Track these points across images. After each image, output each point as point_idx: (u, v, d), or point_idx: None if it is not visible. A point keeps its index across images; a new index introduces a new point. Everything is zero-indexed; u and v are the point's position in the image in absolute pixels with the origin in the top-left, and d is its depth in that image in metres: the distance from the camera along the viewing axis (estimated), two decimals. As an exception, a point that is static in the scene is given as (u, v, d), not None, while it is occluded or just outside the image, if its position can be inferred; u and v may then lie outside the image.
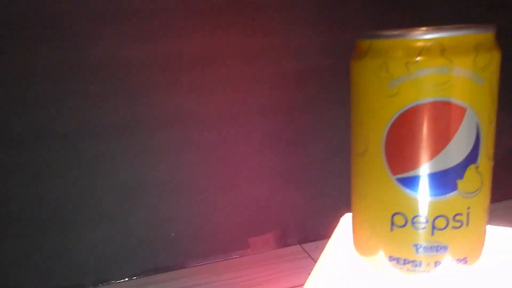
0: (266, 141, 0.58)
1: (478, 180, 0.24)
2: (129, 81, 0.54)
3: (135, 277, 0.56)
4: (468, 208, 0.24)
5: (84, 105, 0.53)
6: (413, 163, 0.23)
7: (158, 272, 0.56)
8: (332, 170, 0.65)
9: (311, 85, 0.59)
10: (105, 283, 0.55)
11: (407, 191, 0.24)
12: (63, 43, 0.51)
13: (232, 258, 0.58)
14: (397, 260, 0.25)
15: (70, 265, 0.54)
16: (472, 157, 0.23)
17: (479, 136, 0.23)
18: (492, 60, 0.23)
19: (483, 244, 0.26)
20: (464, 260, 0.25)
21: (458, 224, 0.24)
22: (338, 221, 0.35)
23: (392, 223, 0.25)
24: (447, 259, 0.24)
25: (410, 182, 0.24)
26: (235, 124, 0.57)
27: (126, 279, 0.56)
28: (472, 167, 0.24)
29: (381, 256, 0.26)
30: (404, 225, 0.24)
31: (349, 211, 0.29)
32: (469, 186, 0.24)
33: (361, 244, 0.27)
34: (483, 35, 0.22)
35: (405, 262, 0.25)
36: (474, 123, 0.23)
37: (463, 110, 0.23)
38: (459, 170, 0.23)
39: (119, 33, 0.53)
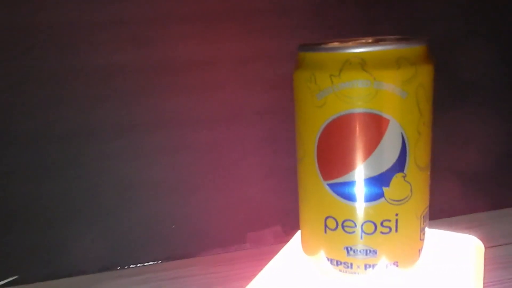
0: (261, 142, 0.60)
1: (406, 189, 0.25)
2: (125, 85, 0.57)
3: (133, 266, 0.60)
4: (397, 215, 0.25)
5: (83, 107, 0.57)
6: (341, 170, 0.25)
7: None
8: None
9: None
10: (108, 270, 0.59)
11: (337, 196, 0.25)
12: (63, 50, 0.55)
13: (229, 252, 0.61)
14: (331, 261, 0.26)
15: (73, 255, 0.58)
16: (398, 167, 0.24)
17: (405, 146, 0.24)
18: (417, 74, 0.23)
19: (417, 249, 0.26)
20: (395, 265, 0.26)
21: (386, 230, 0.25)
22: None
23: (326, 226, 0.26)
24: (377, 262, 0.25)
25: (339, 188, 0.25)
26: (231, 125, 0.59)
27: (126, 267, 0.60)
28: (399, 175, 0.24)
29: (321, 256, 0.27)
30: (336, 229, 0.26)
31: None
32: (396, 194, 0.25)
33: (305, 244, 0.28)
34: (406, 50, 0.23)
35: (338, 263, 0.26)
36: (399, 134, 0.24)
37: (386, 122, 0.23)
38: (384, 179, 0.24)
39: (115, 39, 0.56)
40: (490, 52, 0.67)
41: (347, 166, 0.24)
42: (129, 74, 0.59)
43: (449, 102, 0.66)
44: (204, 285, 0.57)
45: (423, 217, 0.26)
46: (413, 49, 0.23)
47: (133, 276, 0.59)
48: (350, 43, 0.24)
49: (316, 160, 0.25)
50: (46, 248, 0.59)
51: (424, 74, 0.24)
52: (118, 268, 0.61)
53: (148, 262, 0.62)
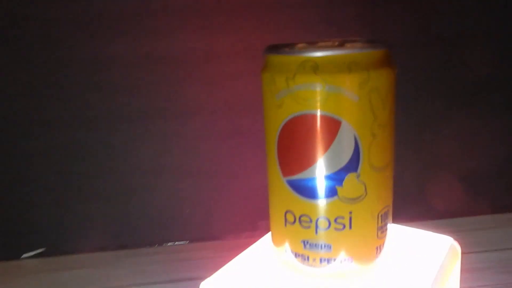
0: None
1: (360, 188, 0.26)
2: (149, 74, 0.61)
3: (149, 246, 0.64)
4: (350, 212, 0.26)
5: (112, 94, 0.61)
6: (297, 168, 0.26)
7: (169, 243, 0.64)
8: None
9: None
10: (126, 248, 0.64)
11: (294, 192, 0.26)
12: (94, 39, 0.59)
13: (240, 239, 0.63)
14: (291, 252, 0.28)
15: (95, 232, 0.63)
16: (351, 167, 0.25)
17: (358, 148, 0.25)
18: (370, 78, 0.24)
19: (374, 247, 0.27)
20: (349, 260, 0.27)
21: (340, 227, 0.26)
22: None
23: (286, 220, 0.27)
24: (332, 257, 0.27)
25: (296, 184, 0.26)
26: (249, 114, 0.61)
27: (142, 246, 0.64)
28: (352, 175, 0.25)
29: (284, 248, 0.29)
30: (294, 223, 0.27)
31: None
32: (349, 193, 0.26)
33: (272, 236, 0.30)
34: (358, 54, 0.24)
35: (297, 255, 0.28)
36: (351, 136, 0.25)
37: (338, 123, 0.24)
38: (337, 178, 0.25)
39: (138, 30, 0.60)
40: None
41: (303, 164, 0.26)
42: (153, 64, 0.62)
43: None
44: (213, 269, 0.60)
45: (381, 216, 0.27)
46: (366, 54, 0.24)
47: (148, 256, 0.62)
48: (306, 47, 0.25)
49: (276, 157, 0.27)
50: (71, 223, 0.64)
51: (379, 79, 0.24)
52: (135, 247, 0.65)
53: (163, 243, 0.66)
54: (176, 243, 0.65)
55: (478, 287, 0.51)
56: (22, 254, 0.64)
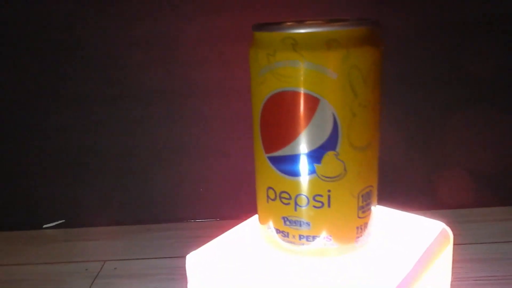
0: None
1: (339, 167, 0.26)
2: (165, 55, 0.62)
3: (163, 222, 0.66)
4: (329, 191, 0.26)
5: (130, 73, 0.63)
6: (277, 145, 0.26)
7: (182, 221, 0.65)
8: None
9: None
10: (141, 224, 0.66)
11: (275, 169, 0.27)
12: (115, 19, 0.61)
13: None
14: (273, 228, 0.28)
15: (112, 207, 0.66)
16: (329, 145, 0.25)
17: (337, 126, 0.25)
18: (349, 56, 0.24)
19: (354, 227, 0.27)
20: (328, 239, 0.27)
21: (318, 204, 0.26)
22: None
23: (268, 196, 0.28)
24: (311, 234, 0.27)
25: (276, 161, 0.27)
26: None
27: (157, 222, 0.66)
28: (330, 154, 0.25)
29: (267, 224, 0.29)
30: (274, 199, 0.27)
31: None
32: (327, 171, 0.26)
33: (258, 212, 0.30)
34: (337, 32, 0.24)
35: (278, 232, 0.28)
36: (330, 113, 0.25)
37: (316, 101, 0.24)
38: (316, 155, 0.25)
39: (159, 12, 0.61)
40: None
41: (282, 141, 0.26)
42: (168, 45, 0.63)
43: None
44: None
45: (362, 196, 0.27)
46: (345, 31, 0.24)
47: (161, 231, 0.64)
48: (287, 24, 0.25)
49: (260, 133, 0.27)
50: (89, 198, 0.67)
51: (359, 57, 0.24)
52: (150, 222, 0.67)
53: (175, 222, 0.68)
54: (186, 221, 0.67)
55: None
56: (43, 225, 0.67)
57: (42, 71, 0.64)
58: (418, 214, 0.35)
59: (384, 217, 0.34)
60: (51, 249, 0.63)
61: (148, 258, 0.57)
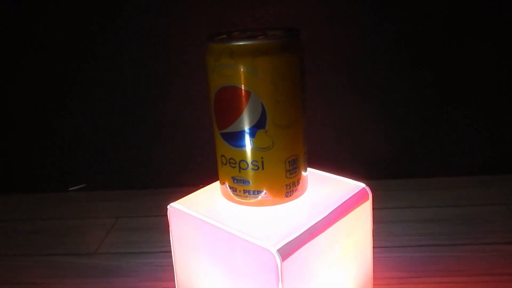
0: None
1: (268, 140, 0.35)
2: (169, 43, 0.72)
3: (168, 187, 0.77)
4: (262, 158, 0.36)
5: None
6: (225, 125, 0.36)
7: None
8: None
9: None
10: (148, 188, 0.77)
11: (225, 141, 0.37)
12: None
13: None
14: (227, 185, 0.38)
15: (125, 173, 0.77)
16: (260, 125, 0.35)
17: (265, 111, 0.34)
18: (271, 61, 0.33)
19: (284, 184, 0.37)
20: (263, 193, 0.37)
21: (255, 167, 0.36)
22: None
23: (221, 161, 0.38)
24: (251, 190, 0.37)
25: (225, 136, 0.36)
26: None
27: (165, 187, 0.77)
28: (261, 131, 0.35)
29: (223, 182, 0.39)
30: (225, 164, 0.37)
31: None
32: (260, 143, 0.35)
33: (218, 174, 0.40)
34: (261, 44, 0.33)
35: (229, 188, 0.38)
36: (259, 102, 0.34)
37: (248, 93, 0.34)
38: (251, 132, 0.35)
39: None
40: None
41: (228, 122, 0.36)
42: (173, 35, 0.73)
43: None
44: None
45: (289, 162, 0.36)
46: (267, 43, 0.33)
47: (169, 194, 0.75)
48: (227, 38, 0.34)
49: (214, 115, 0.37)
50: (107, 164, 0.79)
51: (278, 61, 0.33)
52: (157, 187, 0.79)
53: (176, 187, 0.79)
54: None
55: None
56: (68, 188, 0.80)
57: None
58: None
59: (315, 178, 0.43)
60: (74, 207, 0.75)
61: (152, 216, 0.68)
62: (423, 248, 0.58)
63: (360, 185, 0.42)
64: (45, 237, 0.66)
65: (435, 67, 0.73)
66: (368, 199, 0.42)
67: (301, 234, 0.35)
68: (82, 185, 0.79)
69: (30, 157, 0.80)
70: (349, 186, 0.42)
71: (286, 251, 0.33)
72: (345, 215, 0.39)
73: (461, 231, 0.61)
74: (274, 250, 0.33)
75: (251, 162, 0.36)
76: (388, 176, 0.77)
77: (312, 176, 0.42)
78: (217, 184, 0.43)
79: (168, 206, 0.41)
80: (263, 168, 0.36)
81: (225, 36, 0.35)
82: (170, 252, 0.42)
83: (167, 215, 0.41)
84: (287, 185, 0.37)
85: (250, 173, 0.37)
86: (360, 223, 0.42)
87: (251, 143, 0.36)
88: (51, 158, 0.80)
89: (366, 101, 0.75)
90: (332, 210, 0.38)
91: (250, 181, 0.37)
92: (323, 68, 0.73)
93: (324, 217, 0.38)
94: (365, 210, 0.42)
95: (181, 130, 0.77)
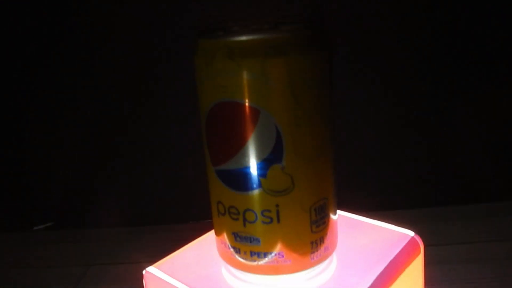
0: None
1: (286, 180, 0.24)
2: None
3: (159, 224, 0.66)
4: (277, 206, 0.24)
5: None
6: (222, 158, 0.25)
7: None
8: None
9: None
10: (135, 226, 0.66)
11: (222, 182, 0.25)
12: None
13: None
14: (225, 243, 0.27)
15: (102, 208, 0.66)
16: (274, 157, 0.24)
17: (281, 137, 0.23)
18: (289, 63, 0.22)
19: (309, 242, 0.26)
20: (280, 255, 0.25)
21: (267, 220, 0.25)
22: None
23: (218, 210, 0.26)
24: (262, 251, 0.25)
25: (222, 174, 0.25)
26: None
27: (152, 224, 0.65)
28: (276, 167, 0.24)
29: (219, 238, 0.28)
30: (224, 214, 0.26)
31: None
32: (274, 185, 0.24)
33: (214, 225, 0.29)
34: (275, 38, 0.22)
35: (230, 247, 0.27)
36: (272, 125, 0.23)
37: (257, 112, 0.23)
38: (261, 169, 0.24)
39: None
40: None
41: (226, 154, 0.24)
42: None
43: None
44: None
45: (315, 209, 0.25)
46: (283, 37, 0.22)
47: (152, 234, 0.64)
48: (225, 31, 0.23)
49: (206, 144, 0.26)
50: (78, 201, 0.67)
51: (300, 64, 0.22)
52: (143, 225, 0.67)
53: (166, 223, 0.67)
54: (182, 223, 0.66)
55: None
56: (33, 226, 0.67)
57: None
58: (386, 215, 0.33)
59: (346, 226, 0.32)
60: (39, 251, 0.63)
61: (130, 263, 0.56)
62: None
63: (408, 233, 0.31)
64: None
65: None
66: (419, 252, 0.31)
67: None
68: (49, 224, 0.67)
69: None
70: (393, 235, 0.31)
71: None
72: (393, 280, 0.28)
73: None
74: None
75: (262, 213, 0.25)
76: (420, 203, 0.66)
77: (339, 221, 0.31)
78: (211, 236, 0.31)
79: (143, 272, 0.30)
80: (278, 221, 0.25)
81: (222, 30, 0.24)
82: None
83: (142, 279, 0.30)
84: (313, 242, 0.26)
85: (260, 227, 0.25)
86: (411, 285, 0.31)
87: (261, 185, 0.24)
88: (14, 193, 0.68)
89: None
90: (378, 275, 0.27)
91: (261, 239, 0.25)
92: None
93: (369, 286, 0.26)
94: (416, 269, 0.31)
95: (165, 158, 0.66)
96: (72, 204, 0.66)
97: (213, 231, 0.32)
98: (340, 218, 0.32)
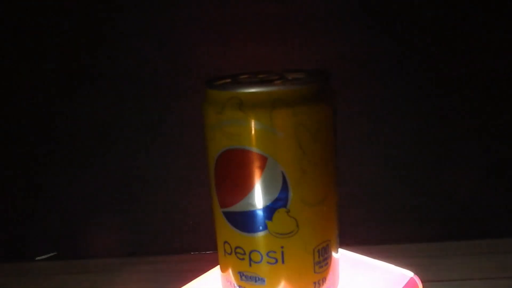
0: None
1: (291, 223, 0.25)
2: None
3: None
4: (282, 247, 0.26)
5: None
6: (230, 201, 0.26)
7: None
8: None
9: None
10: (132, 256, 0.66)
11: (229, 224, 0.27)
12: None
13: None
14: (230, 282, 0.28)
15: (106, 238, 0.66)
16: (280, 202, 0.25)
17: (287, 183, 0.25)
18: (295, 114, 0.24)
19: (311, 282, 0.27)
20: (284, 294, 0.26)
21: (272, 261, 0.26)
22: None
23: (224, 250, 0.28)
24: (266, 291, 0.26)
25: (230, 216, 0.26)
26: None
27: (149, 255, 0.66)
28: (281, 211, 0.25)
29: (224, 276, 0.29)
30: (230, 253, 0.27)
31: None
32: (279, 228, 0.25)
33: (219, 263, 0.30)
34: (281, 91, 0.23)
35: (235, 286, 0.28)
36: (279, 171, 0.24)
37: (264, 159, 0.24)
38: (267, 212, 0.25)
39: None
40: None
41: (234, 197, 0.26)
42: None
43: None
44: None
45: (318, 251, 0.26)
46: (290, 90, 0.24)
47: (153, 264, 0.64)
48: (234, 83, 0.25)
49: (214, 187, 0.27)
50: (82, 230, 0.67)
51: (306, 115, 0.24)
52: (141, 255, 0.67)
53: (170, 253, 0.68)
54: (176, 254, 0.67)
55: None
56: (36, 257, 0.68)
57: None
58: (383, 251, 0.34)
59: (347, 265, 0.33)
60: (43, 281, 0.63)
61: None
62: None
63: (407, 274, 0.32)
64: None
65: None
66: (417, 293, 0.32)
67: None
68: (52, 254, 0.68)
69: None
70: (392, 275, 0.32)
71: None
72: (393, 320, 0.29)
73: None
74: None
75: (267, 254, 0.26)
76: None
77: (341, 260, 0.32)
78: (216, 272, 0.32)
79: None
80: (283, 262, 0.26)
81: (231, 80, 0.26)
82: None
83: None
84: (316, 282, 0.27)
85: (265, 268, 0.26)
86: (409, 325, 0.31)
87: (267, 228, 0.26)
88: (16, 221, 0.69)
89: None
90: (378, 316, 0.28)
91: (265, 279, 0.26)
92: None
93: (368, 328, 0.27)
94: (415, 308, 0.32)
95: (164, 187, 0.67)
96: (72, 233, 0.67)
97: (217, 267, 0.33)
98: (342, 256, 0.33)
